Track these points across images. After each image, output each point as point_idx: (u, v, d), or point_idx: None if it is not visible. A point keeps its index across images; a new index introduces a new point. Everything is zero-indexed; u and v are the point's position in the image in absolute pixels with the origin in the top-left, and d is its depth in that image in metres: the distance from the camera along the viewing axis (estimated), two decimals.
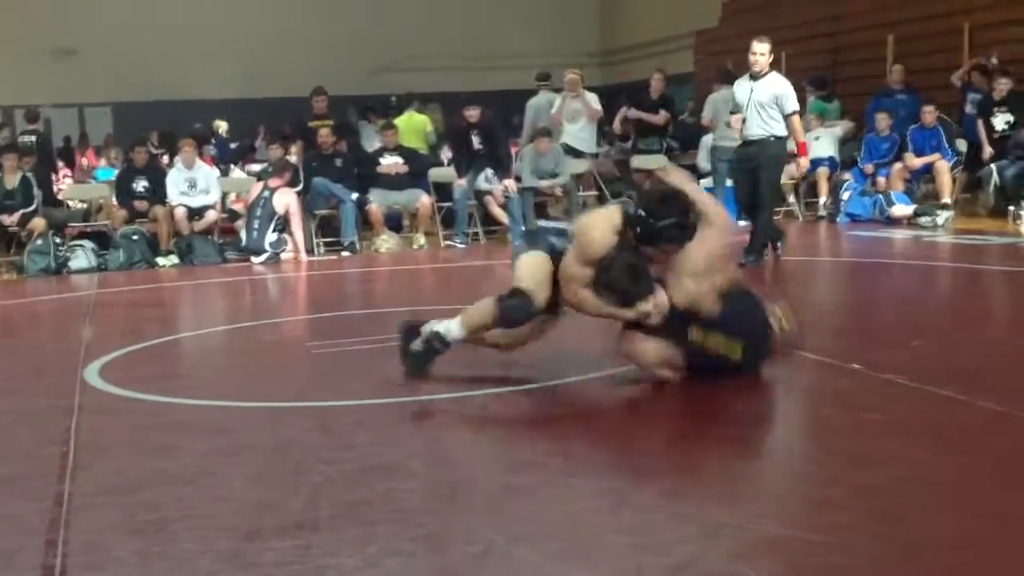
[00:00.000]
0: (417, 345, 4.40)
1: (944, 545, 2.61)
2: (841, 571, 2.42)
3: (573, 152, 11.65)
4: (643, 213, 4.03)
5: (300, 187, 10.51)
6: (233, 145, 14.95)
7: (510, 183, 10.72)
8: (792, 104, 7.80)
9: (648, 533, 2.73)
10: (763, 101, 7.71)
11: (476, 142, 10.81)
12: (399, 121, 11.85)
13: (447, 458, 3.50)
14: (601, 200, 11.86)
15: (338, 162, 10.82)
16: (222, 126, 15.26)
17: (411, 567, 2.58)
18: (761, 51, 7.79)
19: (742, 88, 7.96)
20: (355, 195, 10.50)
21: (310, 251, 10.32)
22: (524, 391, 4.35)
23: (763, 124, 7.71)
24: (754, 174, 7.75)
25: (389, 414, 4.11)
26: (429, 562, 2.60)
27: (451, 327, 4.31)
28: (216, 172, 11.35)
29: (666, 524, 2.78)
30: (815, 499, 2.94)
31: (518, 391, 4.34)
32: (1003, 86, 10.82)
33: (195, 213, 10.30)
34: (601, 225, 4.10)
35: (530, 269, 4.24)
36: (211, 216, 10.39)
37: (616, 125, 13.37)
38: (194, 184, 10.46)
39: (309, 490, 3.16)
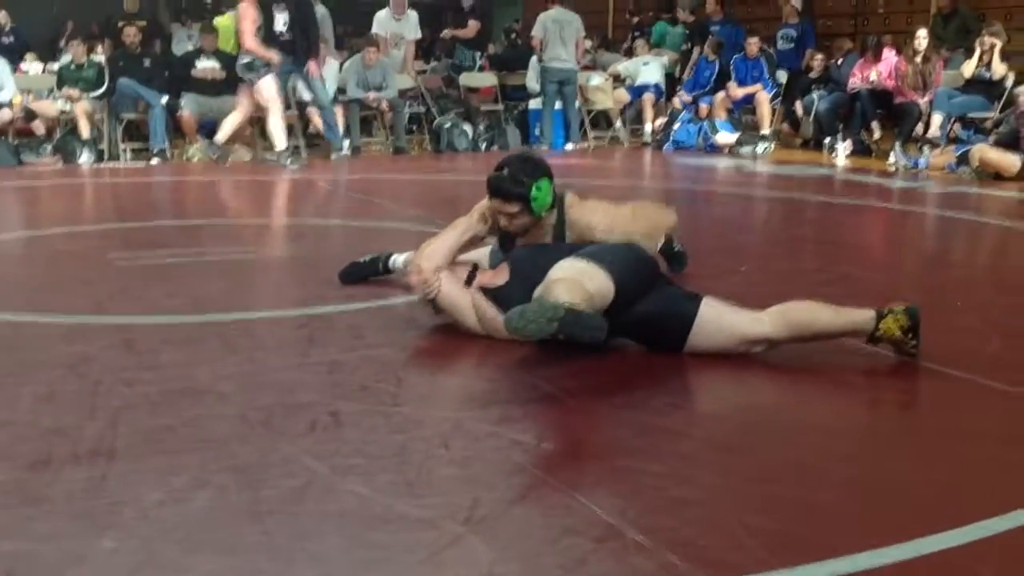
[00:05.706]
0: (364, 257, 4.54)
1: (782, 476, 2.53)
2: (681, 503, 2.31)
3: None
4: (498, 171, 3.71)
5: (103, 89, 9.85)
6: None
7: (313, 66, 9.75)
8: None
9: (483, 464, 2.55)
10: None
11: (280, 22, 9.38)
12: (218, 22, 10.95)
13: (263, 382, 3.20)
14: (429, 116, 11.56)
15: (147, 62, 10.17)
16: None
17: (222, 502, 2.31)
18: None
19: None
20: (165, 98, 9.90)
21: (116, 157, 9.70)
22: (350, 312, 4.09)
23: None
24: None
25: (199, 333, 3.78)
26: (243, 496, 2.33)
27: (398, 259, 4.46)
28: (7, 66, 10.18)
29: (501, 454, 2.61)
30: (654, 428, 2.83)
31: (344, 312, 4.09)
32: None
33: None
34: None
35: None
36: (4, 115, 9.56)
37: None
38: None
39: (107, 414, 2.84)
